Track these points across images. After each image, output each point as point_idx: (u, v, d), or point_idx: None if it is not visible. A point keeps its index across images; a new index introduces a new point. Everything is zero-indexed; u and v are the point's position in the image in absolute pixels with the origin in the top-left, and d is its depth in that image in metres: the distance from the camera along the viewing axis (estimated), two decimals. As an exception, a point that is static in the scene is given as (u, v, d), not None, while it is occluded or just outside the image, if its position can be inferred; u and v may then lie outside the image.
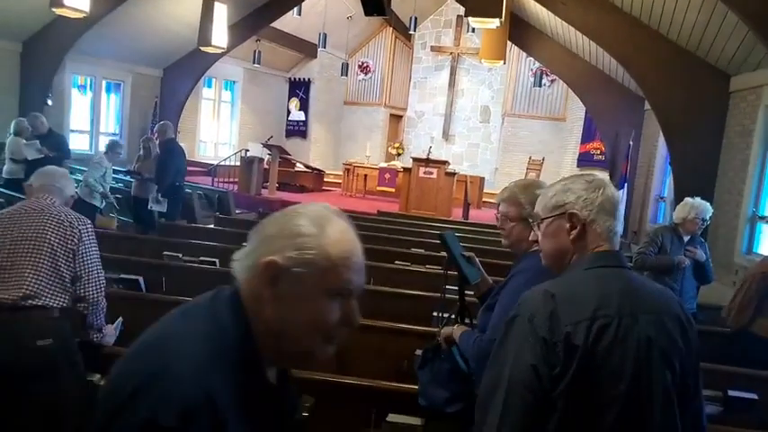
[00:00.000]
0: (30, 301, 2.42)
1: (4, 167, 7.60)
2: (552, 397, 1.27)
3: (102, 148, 11.85)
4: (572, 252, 1.48)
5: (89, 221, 2.71)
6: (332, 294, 1.02)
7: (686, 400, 1.37)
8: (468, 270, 2.41)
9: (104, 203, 7.03)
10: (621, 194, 9.07)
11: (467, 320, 2.38)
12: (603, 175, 11.65)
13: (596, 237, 1.45)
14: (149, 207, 7.15)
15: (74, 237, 2.57)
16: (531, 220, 1.60)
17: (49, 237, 2.52)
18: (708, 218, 4.40)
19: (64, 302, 2.52)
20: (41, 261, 2.48)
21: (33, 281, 2.44)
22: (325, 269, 1.01)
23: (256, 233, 1.05)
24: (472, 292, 2.45)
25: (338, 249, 1.03)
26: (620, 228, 1.50)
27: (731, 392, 3.06)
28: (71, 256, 2.55)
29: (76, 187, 6.65)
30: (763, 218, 6.18)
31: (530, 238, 1.67)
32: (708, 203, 4.41)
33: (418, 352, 3.16)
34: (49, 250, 2.50)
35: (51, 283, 2.48)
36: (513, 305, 1.86)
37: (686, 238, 4.44)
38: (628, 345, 1.30)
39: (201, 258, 5.04)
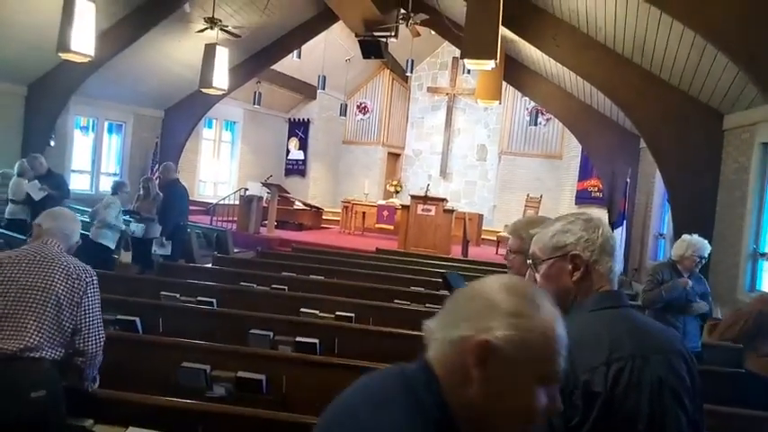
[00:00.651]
0: (29, 354, 2.36)
1: (7, 208, 7.62)
2: None
3: (102, 188, 11.98)
4: (574, 293, 1.47)
5: (94, 273, 2.66)
6: (543, 380, 0.94)
7: None
8: None
9: (117, 242, 7.06)
10: (620, 232, 9.12)
11: None
12: (600, 214, 11.70)
13: (599, 277, 1.45)
14: (153, 251, 7.16)
15: (80, 290, 2.52)
16: (529, 261, 1.57)
17: (56, 288, 2.46)
18: (705, 255, 4.40)
19: (60, 355, 2.47)
20: (46, 313, 2.42)
21: (36, 333, 2.39)
22: (541, 354, 0.93)
23: (456, 303, 0.97)
24: None
25: (554, 332, 0.96)
26: (619, 267, 1.51)
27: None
28: (75, 308, 2.50)
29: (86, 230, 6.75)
30: (763, 254, 6.17)
31: (526, 278, 1.66)
32: (705, 241, 4.41)
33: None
34: (55, 302, 2.45)
35: (53, 335, 2.43)
36: None
37: (686, 275, 4.43)
38: (642, 386, 1.28)
39: (199, 298, 5.01)
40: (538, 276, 1.54)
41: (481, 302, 0.95)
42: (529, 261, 1.59)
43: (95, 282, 2.61)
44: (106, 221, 6.73)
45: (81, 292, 2.52)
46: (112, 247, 6.91)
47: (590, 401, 1.25)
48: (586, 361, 1.28)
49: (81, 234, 4.89)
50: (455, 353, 0.93)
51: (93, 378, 2.64)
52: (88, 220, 7.59)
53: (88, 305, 2.54)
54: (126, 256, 7.51)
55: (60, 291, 2.47)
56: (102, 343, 2.59)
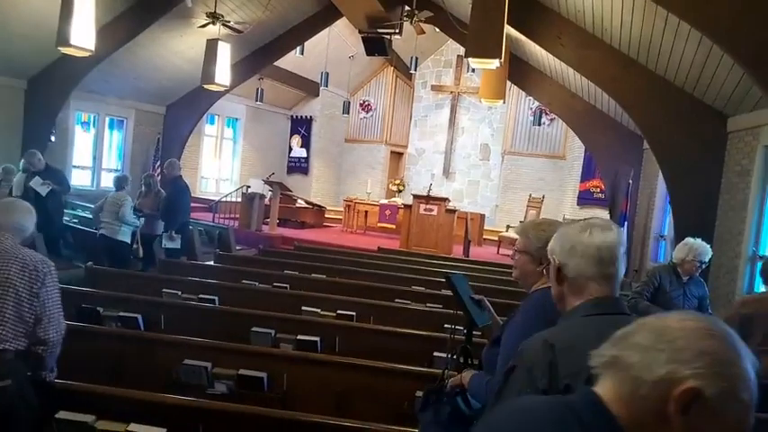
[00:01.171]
0: None
1: None
2: None
3: (104, 184, 12.01)
4: (565, 296, 1.51)
5: (52, 264, 2.67)
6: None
7: None
8: (477, 313, 2.39)
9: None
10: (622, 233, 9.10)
11: (469, 361, 2.35)
12: (604, 218, 11.68)
13: (573, 281, 1.47)
14: (163, 245, 7.17)
15: (38, 280, 2.55)
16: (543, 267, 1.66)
17: (13, 281, 2.50)
18: (706, 260, 4.38)
19: (24, 345, 2.50)
20: (6, 306, 2.46)
21: None
22: (744, 409, 0.85)
23: (650, 338, 0.89)
24: (481, 334, 2.43)
25: (752, 382, 0.87)
26: (612, 271, 1.48)
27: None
28: (34, 299, 2.53)
29: (101, 227, 6.75)
30: (763, 257, 6.15)
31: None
32: (707, 246, 4.40)
33: (419, 394, 3.11)
34: (14, 295, 2.48)
35: (15, 327, 2.47)
36: (513, 345, 1.89)
37: (685, 279, 4.42)
38: None
39: (200, 296, 5.01)
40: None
41: (684, 343, 0.86)
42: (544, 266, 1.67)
43: (53, 272, 2.64)
44: (125, 219, 6.78)
45: (39, 283, 2.55)
46: (130, 241, 6.99)
47: None
48: (570, 366, 1.28)
49: (101, 234, 4.94)
50: (651, 395, 0.85)
51: (52, 368, 2.66)
52: (90, 216, 7.61)
53: (47, 295, 2.57)
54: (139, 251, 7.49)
55: (18, 283, 2.50)
56: (62, 332, 2.63)
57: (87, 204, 9.92)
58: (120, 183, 7.12)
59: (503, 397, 1.34)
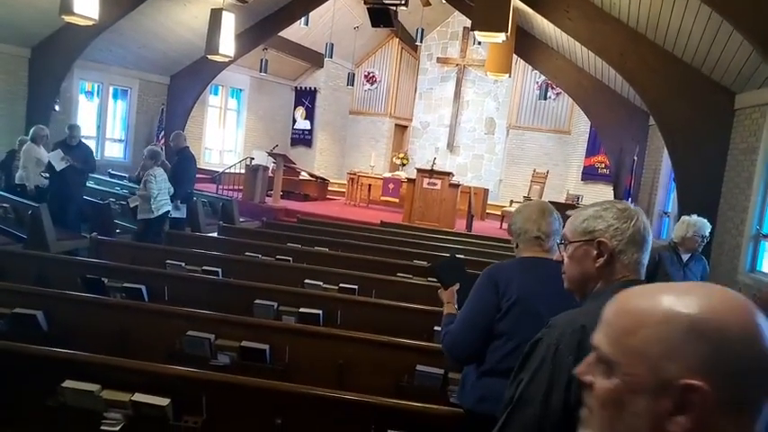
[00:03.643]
0: None
1: (17, 173, 7.56)
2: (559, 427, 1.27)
3: (108, 153, 12.03)
4: (596, 279, 1.48)
5: None
6: None
7: None
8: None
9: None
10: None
11: None
12: (605, 191, 11.66)
13: (623, 267, 1.46)
14: (169, 214, 7.16)
15: None
16: (559, 242, 1.61)
17: None
18: (707, 234, 4.39)
19: None
20: None
21: None
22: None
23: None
24: None
25: None
26: (646, 258, 1.50)
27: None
28: None
29: (132, 205, 6.75)
30: (766, 236, 6.16)
31: (554, 258, 1.68)
32: (705, 220, 4.40)
33: (419, 367, 3.16)
34: None
35: None
36: (472, 294, 2.23)
37: (686, 257, 4.43)
38: None
39: (204, 268, 5.05)
40: (565, 256, 1.56)
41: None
42: (559, 241, 1.62)
43: None
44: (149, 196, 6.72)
45: None
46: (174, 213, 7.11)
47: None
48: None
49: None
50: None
51: None
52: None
53: None
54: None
55: None
56: None
57: (102, 177, 9.97)
58: (155, 156, 6.86)
59: (525, 368, 1.35)
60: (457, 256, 2.65)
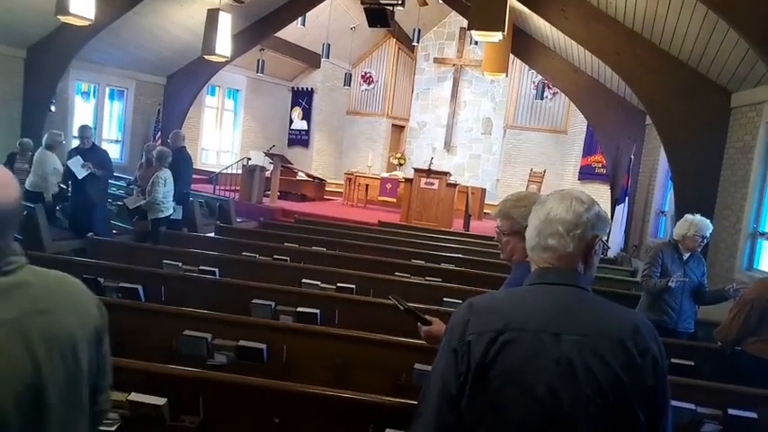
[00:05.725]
0: None
1: (28, 180, 7.24)
2: (460, 408, 1.31)
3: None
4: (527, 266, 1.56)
5: None
6: None
7: (630, 430, 1.30)
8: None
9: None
10: (622, 208, 9.11)
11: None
12: (603, 190, 11.64)
13: (523, 250, 1.58)
14: (168, 215, 7.13)
15: None
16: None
17: None
18: (708, 235, 4.39)
19: None
20: None
21: None
22: None
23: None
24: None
25: None
26: (558, 243, 1.41)
27: (731, 411, 3.04)
28: None
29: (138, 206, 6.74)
30: (763, 234, 6.16)
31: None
32: (708, 221, 4.40)
33: (417, 366, 3.15)
34: None
35: None
36: None
37: (686, 256, 4.43)
38: (542, 363, 1.27)
39: (201, 267, 5.04)
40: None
41: None
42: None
43: None
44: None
45: None
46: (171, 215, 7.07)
47: (468, 364, 1.30)
48: (478, 325, 1.32)
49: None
50: None
51: None
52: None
53: None
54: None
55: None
56: None
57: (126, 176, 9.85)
58: (164, 158, 6.88)
59: (437, 354, 1.41)
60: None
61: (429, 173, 11.41)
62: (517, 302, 1.38)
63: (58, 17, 7.59)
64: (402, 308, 2.23)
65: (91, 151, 7.20)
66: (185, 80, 12.55)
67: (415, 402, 2.47)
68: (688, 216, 4.43)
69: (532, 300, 1.37)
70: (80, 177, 6.92)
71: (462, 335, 1.32)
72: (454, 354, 1.32)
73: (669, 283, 4.22)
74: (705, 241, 4.43)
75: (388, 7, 11.42)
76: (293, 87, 16.99)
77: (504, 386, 1.27)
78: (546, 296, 1.37)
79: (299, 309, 4.03)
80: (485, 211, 14.04)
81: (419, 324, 2.24)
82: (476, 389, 1.28)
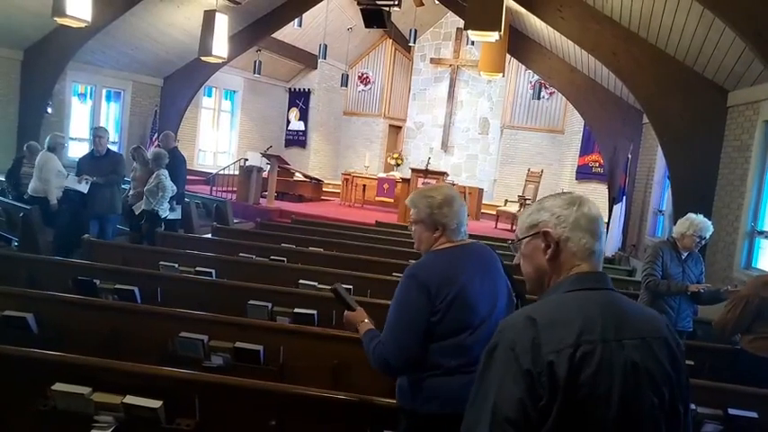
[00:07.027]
0: None
1: (30, 184, 7.09)
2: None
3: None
4: (549, 273, 1.43)
5: None
6: None
7: (676, 426, 1.33)
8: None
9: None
10: (620, 208, 9.10)
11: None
12: (600, 190, 11.65)
13: (572, 256, 1.40)
14: (165, 216, 7.10)
15: None
16: (510, 242, 1.58)
17: None
18: (706, 236, 4.34)
19: None
20: None
21: None
22: None
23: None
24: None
25: None
26: (600, 246, 1.43)
27: (731, 411, 3.03)
28: None
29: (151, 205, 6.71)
30: (761, 233, 6.16)
31: (513, 262, 1.60)
32: (709, 222, 4.35)
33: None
34: None
35: None
36: (398, 301, 2.12)
37: (684, 255, 4.41)
38: (614, 371, 1.24)
39: (197, 269, 5.01)
40: (518, 256, 1.51)
41: None
42: (510, 242, 1.58)
43: None
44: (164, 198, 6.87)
45: None
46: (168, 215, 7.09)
47: (554, 384, 1.21)
48: (553, 343, 1.24)
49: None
50: None
51: None
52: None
53: None
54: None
55: None
56: None
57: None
58: (157, 158, 6.88)
59: (485, 379, 1.28)
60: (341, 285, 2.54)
61: (426, 173, 11.40)
62: (576, 312, 1.30)
63: (55, 19, 7.57)
64: (334, 296, 2.43)
65: (106, 156, 6.88)
66: (182, 81, 12.53)
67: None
68: (690, 215, 4.39)
69: (586, 308, 1.32)
70: (85, 192, 6.69)
71: (536, 354, 1.23)
72: (528, 375, 1.21)
73: (687, 291, 4.21)
74: (703, 242, 4.40)
75: (385, 8, 11.42)
76: (290, 88, 16.97)
77: (585, 400, 1.22)
78: (594, 303, 1.34)
79: (296, 310, 4.01)
80: (482, 211, 14.03)
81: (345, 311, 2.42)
82: (563, 408, 1.21)
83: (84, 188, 6.70)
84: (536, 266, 1.46)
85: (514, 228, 11.93)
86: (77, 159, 7.31)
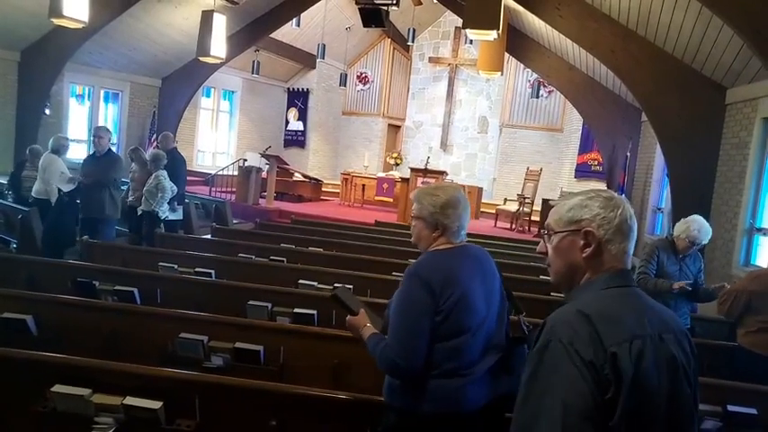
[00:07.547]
0: None
1: (34, 186, 7.06)
2: (610, 425, 1.22)
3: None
4: (583, 270, 1.44)
5: None
6: None
7: (696, 418, 1.41)
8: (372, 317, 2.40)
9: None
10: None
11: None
12: (600, 188, 11.65)
13: (611, 257, 1.42)
14: (165, 217, 7.08)
15: None
16: (543, 232, 1.55)
17: None
18: (702, 242, 4.25)
19: None
20: None
21: None
22: None
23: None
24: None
25: None
26: (632, 248, 1.47)
27: (731, 407, 3.03)
28: None
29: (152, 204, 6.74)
30: (760, 230, 6.17)
31: (537, 249, 1.61)
32: (709, 229, 4.25)
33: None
34: None
35: None
36: (402, 301, 2.06)
37: (680, 255, 4.39)
38: (661, 365, 1.30)
39: (197, 269, 5.01)
40: (549, 247, 1.51)
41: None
42: (543, 231, 1.56)
43: None
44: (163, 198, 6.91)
45: None
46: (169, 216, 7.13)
47: (618, 376, 1.23)
48: (612, 336, 1.26)
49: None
50: None
51: None
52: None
53: None
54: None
55: None
56: None
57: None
58: (155, 159, 6.91)
59: (539, 377, 1.28)
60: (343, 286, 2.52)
61: (426, 172, 11.39)
62: (622, 308, 1.34)
63: (52, 20, 7.56)
64: (335, 302, 2.41)
65: (105, 156, 6.64)
66: (180, 82, 12.52)
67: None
68: (691, 219, 4.27)
69: (628, 304, 1.37)
70: (65, 190, 6.58)
71: (597, 347, 1.24)
72: (592, 367, 1.23)
73: (672, 289, 4.17)
74: (696, 248, 4.34)
75: (383, 7, 11.40)
76: (289, 88, 16.96)
77: (645, 393, 1.26)
78: (633, 300, 1.39)
79: (296, 310, 4.01)
80: (482, 210, 14.03)
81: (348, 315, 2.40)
82: (628, 400, 1.23)
83: (67, 187, 6.59)
84: (569, 262, 1.46)
85: (514, 226, 12.00)
86: (81, 161, 7.30)
